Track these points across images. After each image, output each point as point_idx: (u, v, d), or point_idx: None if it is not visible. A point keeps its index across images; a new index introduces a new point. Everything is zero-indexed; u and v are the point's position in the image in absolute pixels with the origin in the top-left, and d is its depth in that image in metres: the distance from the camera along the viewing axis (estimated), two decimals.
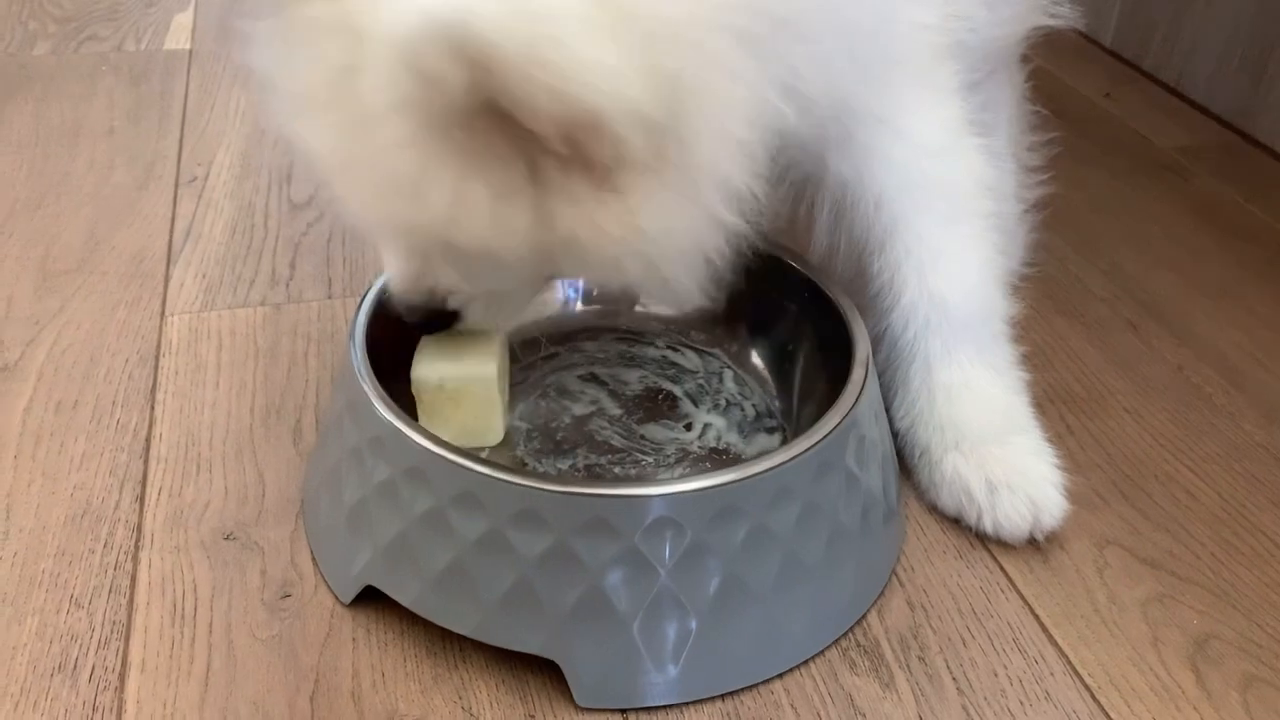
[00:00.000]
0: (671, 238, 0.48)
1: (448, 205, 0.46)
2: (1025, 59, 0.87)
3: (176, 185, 1.00)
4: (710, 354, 0.75)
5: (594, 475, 0.66)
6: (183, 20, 1.33)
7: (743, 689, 0.56)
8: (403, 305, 0.59)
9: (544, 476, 0.54)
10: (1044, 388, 0.78)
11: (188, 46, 1.27)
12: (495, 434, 0.67)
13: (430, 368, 0.63)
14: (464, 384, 0.64)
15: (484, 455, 0.66)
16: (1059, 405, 0.77)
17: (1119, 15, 1.33)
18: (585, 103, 0.40)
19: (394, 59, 0.41)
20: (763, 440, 0.69)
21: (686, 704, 0.56)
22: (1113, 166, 1.08)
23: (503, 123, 0.42)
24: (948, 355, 0.67)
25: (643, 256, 0.48)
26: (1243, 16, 1.14)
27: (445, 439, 0.55)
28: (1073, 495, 0.67)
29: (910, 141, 0.64)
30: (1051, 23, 0.84)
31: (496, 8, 0.38)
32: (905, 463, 0.69)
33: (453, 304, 0.59)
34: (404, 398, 0.62)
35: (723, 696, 0.56)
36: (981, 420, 0.67)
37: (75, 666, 0.57)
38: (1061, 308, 0.88)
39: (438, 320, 0.60)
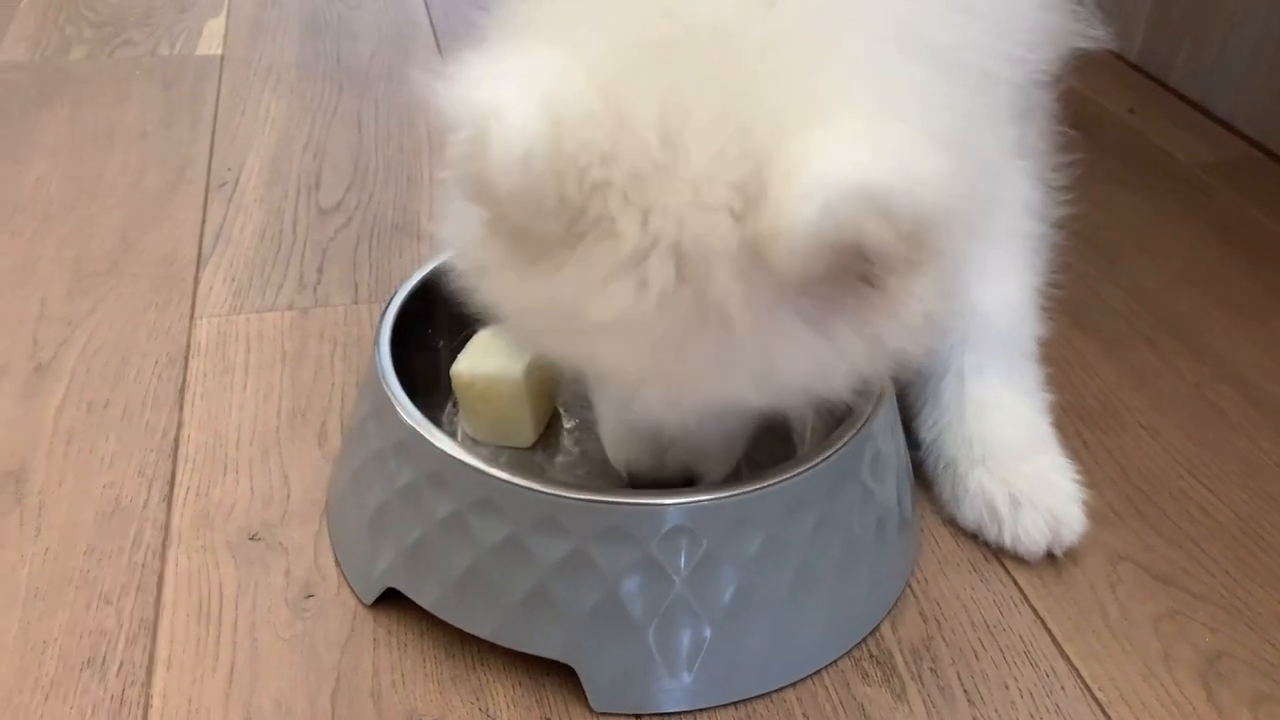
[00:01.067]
0: (931, 328, 0.49)
1: (802, 374, 0.47)
2: (1056, 79, 0.87)
3: (207, 189, 1.01)
4: None
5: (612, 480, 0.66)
6: (215, 26, 1.35)
7: (755, 696, 0.57)
8: (632, 471, 0.59)
9: (562, 484, 0.55)
10: (1061, 403, 0.78)
11: (219, 52, 1.29)
12: (525, 436, 0.68)
13: (468, 363, 0.65)
14: (493, 382, 0.65)
15: (502, 459, 0.67)
16: (1075, 421, 0.77)
17: (1145, 29, 1.33)
18: (934, 216, 0.41)
19: (815, 244, 0.40)
20: (777, 448, 0.70)
21: (700, 710, 0.57)
22: (1135, 182, 1.09)
23: (841, 272, 0.43)
24: (981, 371, 0.68)
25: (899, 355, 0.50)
26: (1268, 32, 1.14)
27: (478, 436, 0.57)
28: (1088, 511, 0.67)
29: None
30: (1086, 45, 0.84)
31: (881, 159, 0.40)
32: (925, 476, 0.70)
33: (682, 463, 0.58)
34: (429, 403, 0.63)
35: (735, 704, 0.57)
36: (1009, 437, 0.68)
37: (104, 661, 0.58)
38: (1080, 323, 0.88)
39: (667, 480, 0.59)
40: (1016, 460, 0.67)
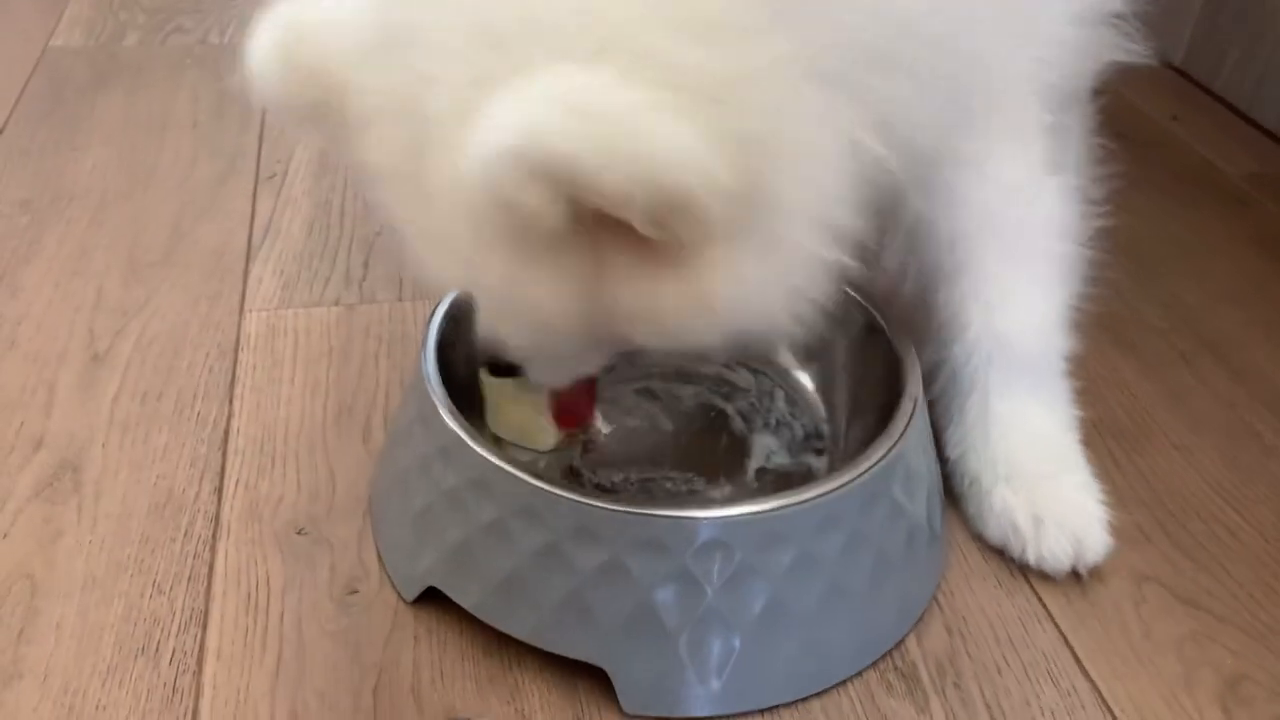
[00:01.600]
0: (750, 301, 0.46)
1: (508, 285, 0.46)
2: (1095, 91, 0.87)
3: (256, 181, 1.04)
4: (763, 373, 0.78)
5: (646, 490, 0.68)
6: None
7: (782, 705, 0.59)
8: (479, 343, 0.59)
9: (601, 494, 0.56)
10: (1093, 420, 0.79)
11: None
12: (545, 439, 0.70)
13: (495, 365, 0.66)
14: (521, 384, 0.66)
15: (542, 464, 0.69)
16: (1107, 438, 0.78)
17: (1191, 34, 1.32)
18: (670, 185, 0.39)
19: (479, 198, 0.41)
20: (810, 462, 0.71)
21: (727, 716, 0.58)
22: (1177, 193, 1.08)
23: (575, 220, 0.41)
24: (1005, 390, 0.69)
25: (720, 324, 0.47)
26: None
27: (502, 434, 0.58)
28: (1115, 530, 0.68)
29: (993, 183, 0.65)
30: (1125, 58, 0.84)
31: (563, 120, 0.39)
32: (953, 491, 0.71)
33: (513, 356, 0.60)
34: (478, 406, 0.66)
35: (762, 711, 0.59)
36: (1033, 455, 0.69)
37: (157, 649, 0.61)
38: (1117, 339, 0.88)
39: (504, 366, 0.61)
40: (1041, 479, 0.68)
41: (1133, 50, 0.81)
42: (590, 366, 0.62)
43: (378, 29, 0.48)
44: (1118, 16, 0.79)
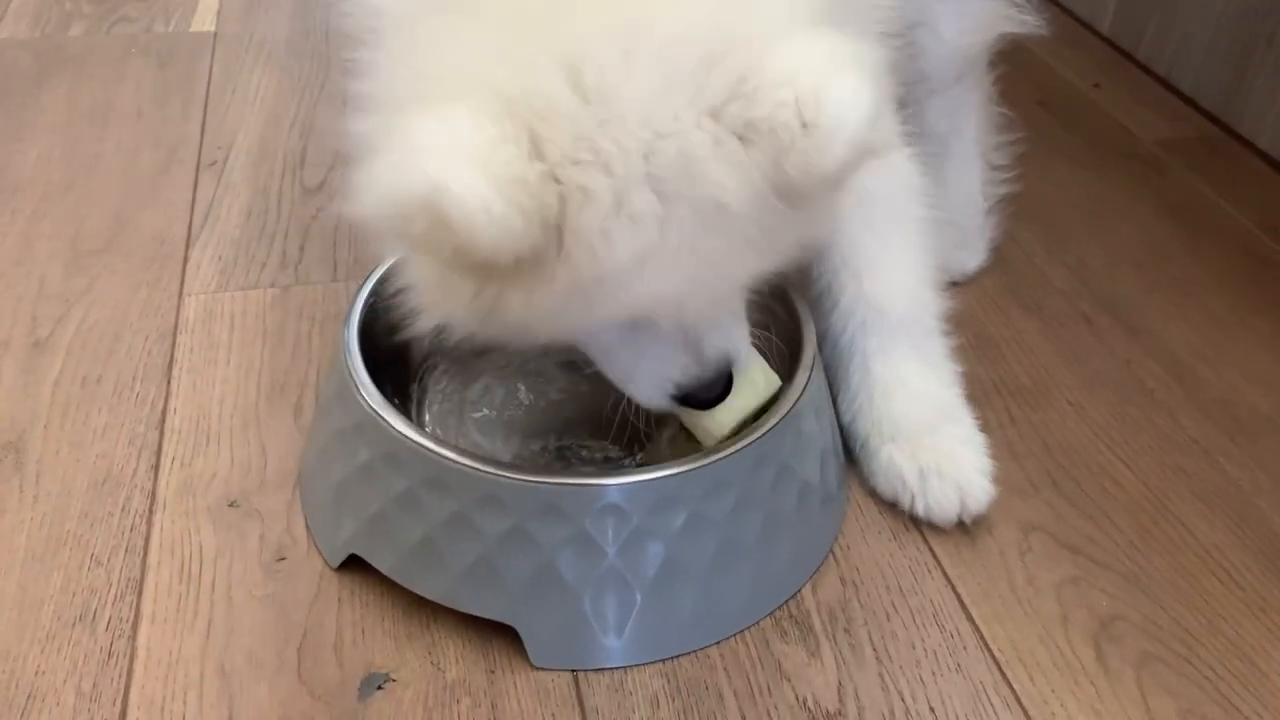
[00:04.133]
0: (559, 316, 0.53)
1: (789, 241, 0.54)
2: (993, 64, 0.91)
3: (198, 168, 1.06)
4: None
5: (562, 458, 0.72)
6: (209, 2, 1.39)
7: (683, 654, 0.63)
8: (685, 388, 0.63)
9: (505, 464, 0.60)
10: (994, 379, 0.84)
11: (213, 29, 1.33)
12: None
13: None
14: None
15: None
16: (1005, 396, 0.82)
17: (1116, 2, 1.35)
18: (482, 249, 0.45)
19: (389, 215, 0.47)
20: None
21: (630, 666, 0.62)
22: (1092, 160, 1.12)
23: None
24: (883, 353, 0.73)
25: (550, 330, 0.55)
26: (1231, 7, 1.16)
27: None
28: (1006, 483, 0.72)
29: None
30: (1017, 30, 0.88)
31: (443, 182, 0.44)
32: (851, 452, 0.75)
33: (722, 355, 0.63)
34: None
35: (663, 661, 0.63)
36: (915, 413, 0.73)
37: (94, 617, 0.64)
38: (1022, 301, 0.92)
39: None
40: (924, 434, 0.72)
41: (1026, 21, 0.85)
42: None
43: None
44: None
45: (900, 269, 0.72)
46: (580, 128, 0.47)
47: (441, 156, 0.45)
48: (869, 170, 0.68)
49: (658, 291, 0.52)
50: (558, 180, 0.47)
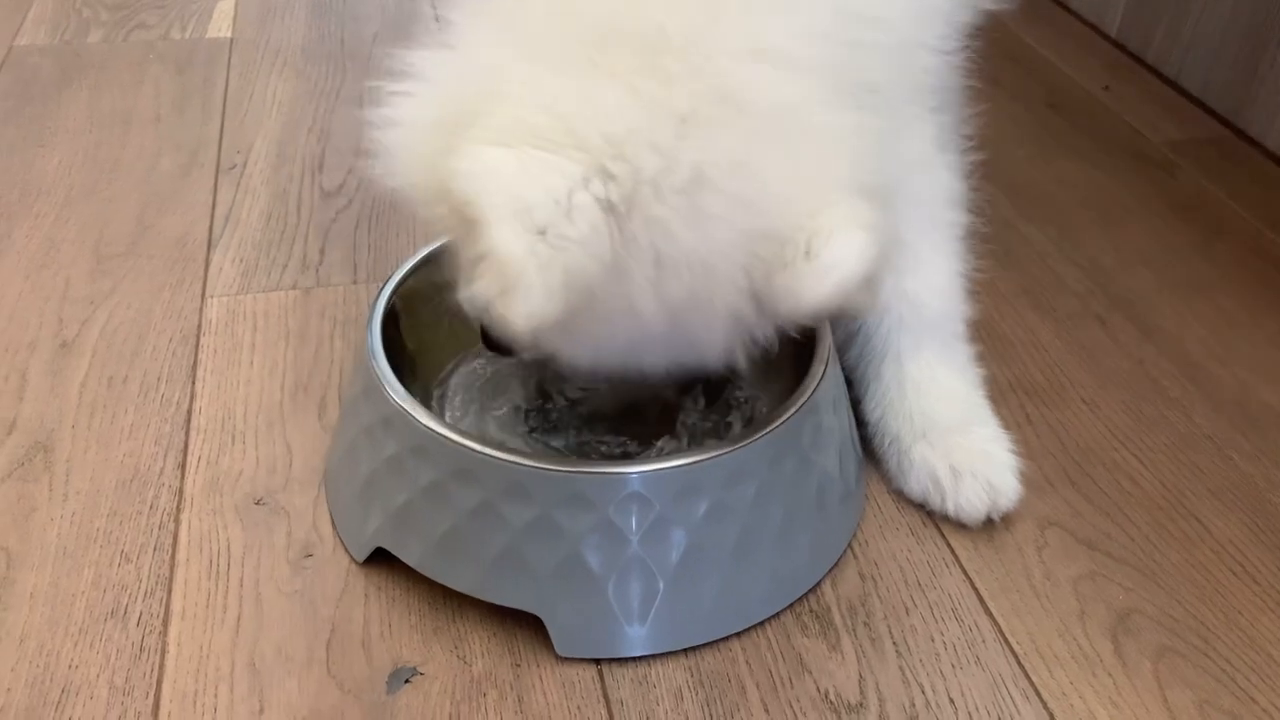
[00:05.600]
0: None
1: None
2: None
3: (217, 172, 1.08)
4: None
5: (583, 453, 0.73)
6: (225, 8, 1.41)
7: (704, 645, 0.64)
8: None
9: (531, 454, 0.61)
10: (1009, 378, 0.84)
11: (229, 35, 1.34)
12: None
13: None
14: None
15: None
16: (1020, 395, 0.83)
17: (1125, 6, 1.36)
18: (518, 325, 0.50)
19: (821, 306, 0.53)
20: (736, 424, 0.76)
21: (654, 656, 0.63)
22: (1103, 161, 1.13)
23: None
24: (917, 352, 0.74)
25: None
26: (1240, 9, 1.17)
27: None
28: (1024, 480, 0.73)
29: (895, 157, 0.70)
30: (992, 7, 0.87)
31: (869, 238, 0.52)
32: (875, 450, 0.76)
33: None
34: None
35: (686, 651, 0.64)
36: (947, 412, 0.74)
37: (125, 613, 0.65)
38: (1036, 302, 0.93)
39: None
40: (955, 433, 0.73)
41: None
42: None
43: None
44: None
45: (938, 270, 0.73)
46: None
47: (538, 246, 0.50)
48: (909, 171, 0.72)
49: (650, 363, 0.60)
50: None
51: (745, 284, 0.54)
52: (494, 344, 0.66)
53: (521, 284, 0.48)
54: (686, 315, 0.55)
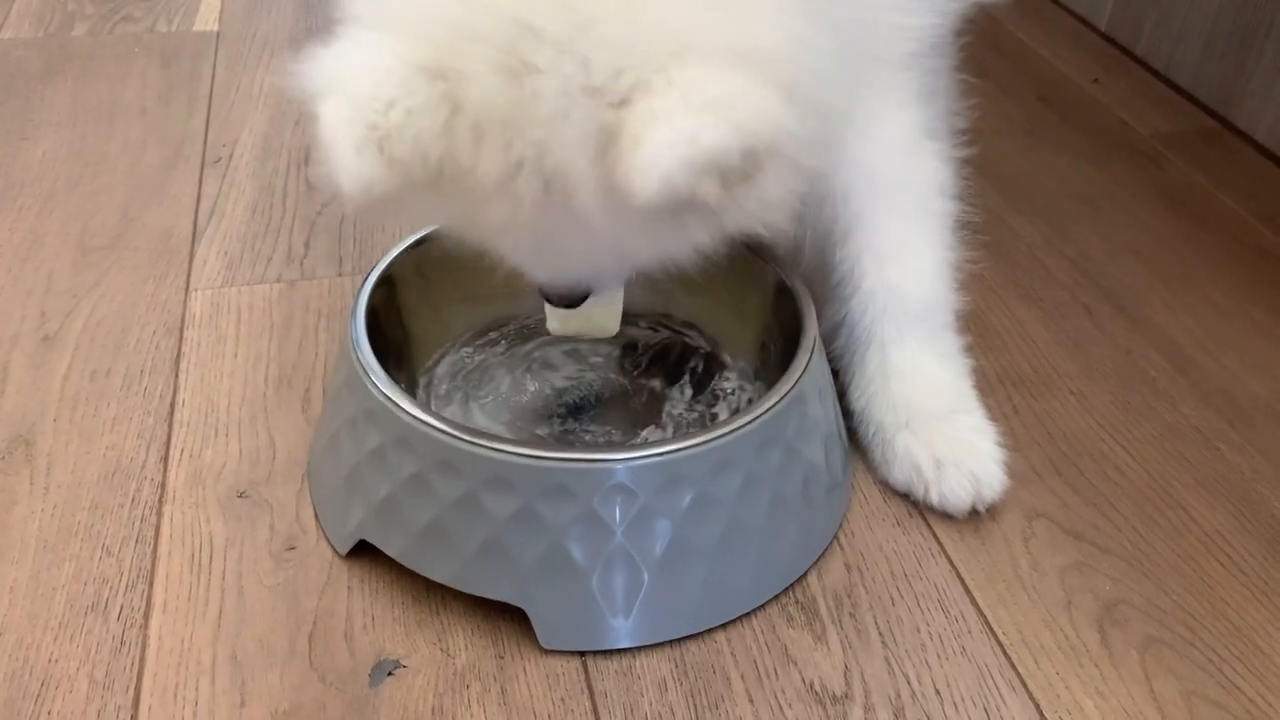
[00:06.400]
0: (774, 205, 0.54)
1: (649, 249, 0.58)
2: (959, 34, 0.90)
3: (202, 165, 1.07)
4: (679, 332, 0.82)
5: (566, 443, 0.73)
6: (211, 1, 1.40)
7: (689, 636, 0.64)
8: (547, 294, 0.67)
9: (513, 443, 0.61)
10: (996, 369, 0.84)
11: (215, 28, 1.34)
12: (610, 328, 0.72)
13: None
14: None
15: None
16: (1008, 386, 0.83)
17: None
18: (772, 146, 0.48)
19: (656, 199, 0.47)
20: (721, 414, 0.76)
21: (638, 648, 0.63)
22: (1092, 154, 1.13)
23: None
24: (901, 340, 0.73)
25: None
26: (1229, 2, 1.17)
27: (564, 329, 0.68)
28: (1010, 471, 0.73)
29: (878, 144, 0.70)
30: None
31: (713, 122, 0.46)
32: (859, 440, 0.76)
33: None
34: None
35: (671, 643, 0.63)
36: (930, 401, 0.73)
37: (106, 606, 0.65)
38: (1024, 293, 0.93)
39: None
40: (939, 423, 0.72)
41: None
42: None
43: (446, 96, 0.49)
44: None
45: (922, 259, 0.73)
46: (494, 103, 0.49)
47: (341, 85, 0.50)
48: (893, 158, 0.70)
49: (511, 253, 0.58)
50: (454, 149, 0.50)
51: (593, 178, 0.49)
52: (554, 298, 0.66)
53: (338, 153, 0.48)
54: (555, 210, 0.51)
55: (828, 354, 0.74)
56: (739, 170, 0.47)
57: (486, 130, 0.49)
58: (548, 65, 0.48)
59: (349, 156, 0.48)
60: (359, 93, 0.48)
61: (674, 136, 0.46)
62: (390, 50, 0.49)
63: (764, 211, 0.54)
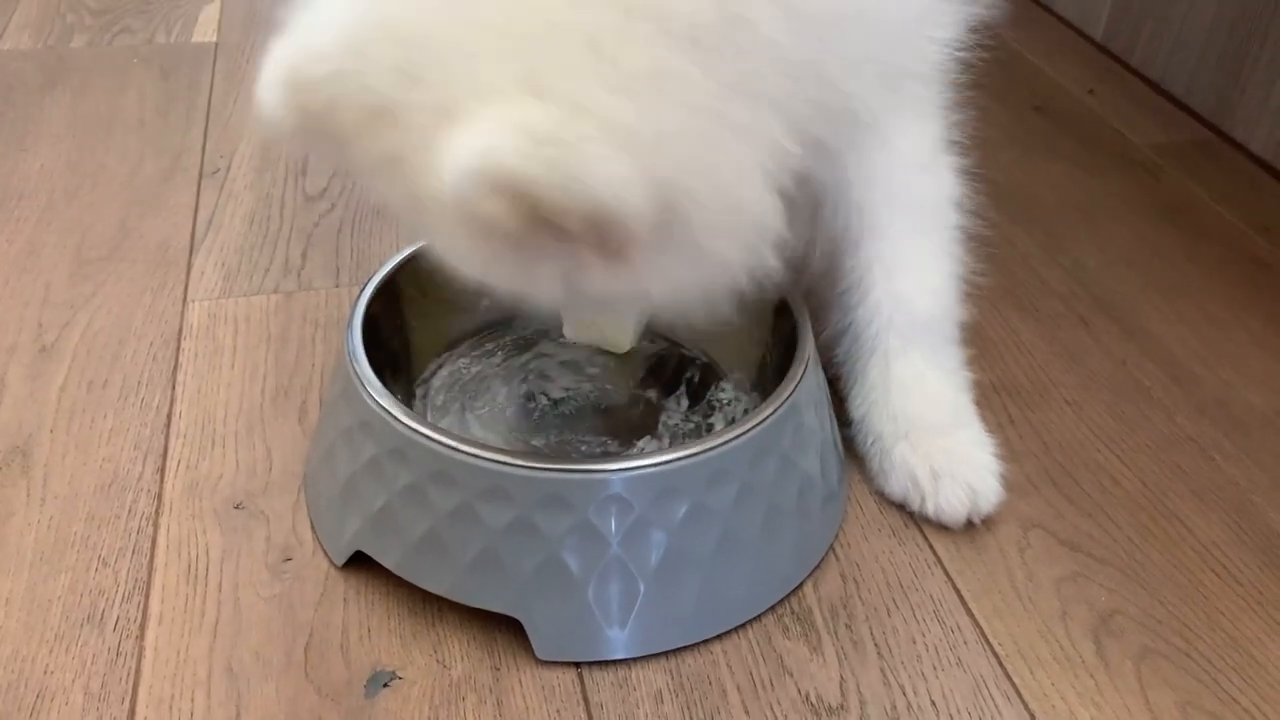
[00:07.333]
0: (675, 291, 0.52)
1: (493, 274, 0.53)
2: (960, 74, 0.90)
3: (200, 177, 1.07)
4: (677, 344, 0.82)
5: (563, 453, 0.73)
6: (210, 13, 1.41)
7: (685, 648, 0.64)
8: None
9: (509, 453, 0.61)
10: (992, 380, 0.84)
11: (214, 40, 1.34)
12: (624, 341, 0.71)
13: None
14: None
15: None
16: (1003, 396, 0.83)
17: (1110, 9, 1.36)
18: (599, 208, 0.45)
19: (453, 208, 0.46)
20: (717, 425, 0.76)
21: (634, 659, 0.63)
22: (1087, 164, 1.13)
23: (533, 224, 0.46)
24: (905, 352, 0.73)
25: (654, 303, 0.55)
26: (1224, 12, 1.17)
27: (579, 336, 0.68)
28: (1006, 482, 0.73)
29: (897, 156, 0.70)
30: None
31: (517, 145, 0.44)
32: (857, 449, 0.76)
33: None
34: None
35: (666, 654, 0.63)
36: (930, 413, 0.73)
37: (102, 617, 0.65)
38: (1019, 303, 0.93)
39: None
40: (938, 435, 0.72)
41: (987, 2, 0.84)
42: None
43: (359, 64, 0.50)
44: None
45: (932, 272, 0.73)
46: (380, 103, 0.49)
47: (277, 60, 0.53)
48: (909, 171, 0.70)
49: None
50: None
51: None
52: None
53: (261, 81, 0.52)
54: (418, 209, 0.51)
55: (828, 362, 0.74)
56: (551, 211, 0.45)
57: (373, 118, 0.49)
58: (428, 80, 0.47)
59: (266, 92, 0.52)
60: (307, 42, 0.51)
61: (471, 142, 0.45)
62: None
63: (658, 285, 0.52)
